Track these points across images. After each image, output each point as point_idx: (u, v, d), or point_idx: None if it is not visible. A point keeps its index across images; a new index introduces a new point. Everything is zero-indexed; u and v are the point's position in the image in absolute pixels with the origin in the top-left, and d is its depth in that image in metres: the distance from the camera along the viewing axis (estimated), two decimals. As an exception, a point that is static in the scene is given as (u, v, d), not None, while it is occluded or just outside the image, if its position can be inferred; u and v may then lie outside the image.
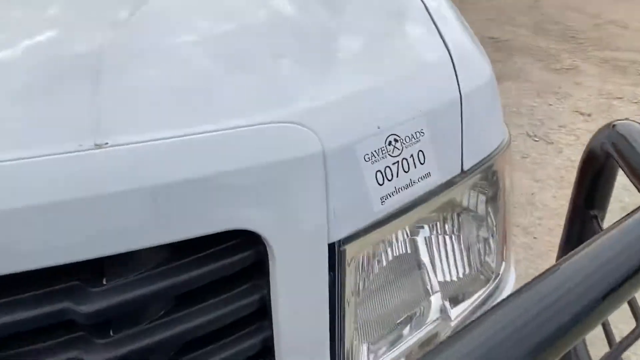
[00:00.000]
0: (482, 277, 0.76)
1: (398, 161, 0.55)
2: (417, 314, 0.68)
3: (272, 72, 0.55)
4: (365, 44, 0.65)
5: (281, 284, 0.50)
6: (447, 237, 0.73)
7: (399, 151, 0.55)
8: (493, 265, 0.75)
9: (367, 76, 0.58)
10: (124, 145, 0.46)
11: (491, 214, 0.73)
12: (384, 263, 0.64)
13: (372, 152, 0.53)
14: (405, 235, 0.69)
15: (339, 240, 0.52)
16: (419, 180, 0.57)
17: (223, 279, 0.51)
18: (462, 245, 0.74)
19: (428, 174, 0.57)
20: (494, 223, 0.73)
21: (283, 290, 0.50)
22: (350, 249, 0.53)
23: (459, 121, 0.61)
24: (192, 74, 0.53)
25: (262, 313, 0.51)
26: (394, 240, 0.64)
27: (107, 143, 0.46)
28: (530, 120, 3.12)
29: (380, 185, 0.53)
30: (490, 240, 0.74)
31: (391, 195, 0.54)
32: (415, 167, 0.56)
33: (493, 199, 0.72)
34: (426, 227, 0.71)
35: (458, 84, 0.62)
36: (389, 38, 0.67)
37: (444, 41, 0.67)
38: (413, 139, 0.56)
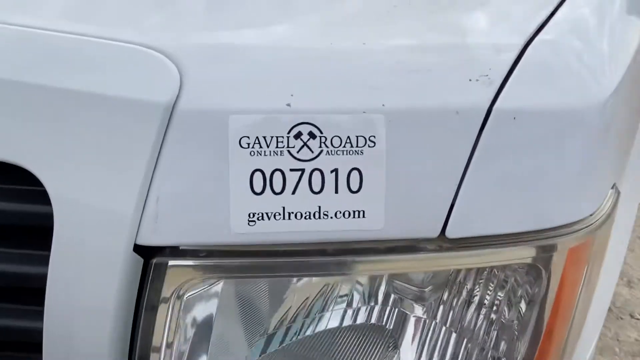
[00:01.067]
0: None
1: (304, 169, 0.32)
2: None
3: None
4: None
5: (58, 267, 0.34)
6: (445, 332, 0.47)
7: (312, 154, 0.32)
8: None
9: (329, 35, 0.36)
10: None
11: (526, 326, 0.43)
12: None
13: (257, 138, 0.32)
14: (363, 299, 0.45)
15: (157, 249, 0.33)
16: (337, 215, 0.33)
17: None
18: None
19: (359, 213, 0.33)
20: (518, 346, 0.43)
21: (59, 276, 0.34)
22: (177, 271, 0.34)
23: (467, 151, 0.34)
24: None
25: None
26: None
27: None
28: None
29: (256, 194, 0.32)
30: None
31: (271, 218, 0.33)
32: (336, 190, 0.33)
33: (529, 305, 0.42)
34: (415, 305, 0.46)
35: (497, 92, 0.34)
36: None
37: (537, 30, 0.40)
38: (347, 144, 0.32)
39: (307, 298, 0.42)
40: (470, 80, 0.35)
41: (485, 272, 0.43)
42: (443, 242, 0.35)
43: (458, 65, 0.35)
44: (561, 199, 0.38)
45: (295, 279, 0.40)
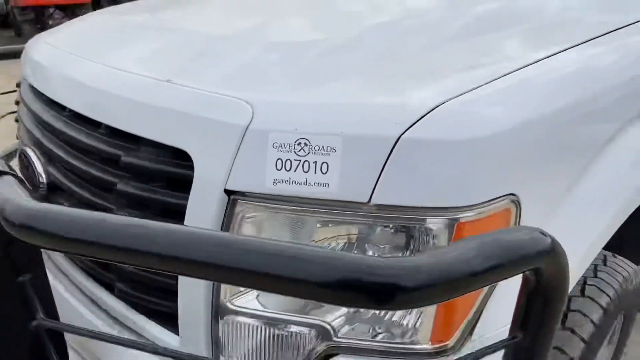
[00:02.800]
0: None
1: (300, 160, 0.68)
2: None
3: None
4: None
5: (193, 202, 0.75)
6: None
7: (305, 153, 0.68)
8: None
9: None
10: (178, 85, 0.81)
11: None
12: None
13: (281, 143, 0.68)
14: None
15: (232, 191, 0.71)
16: (315, 184, 0.68)
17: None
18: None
19: (326, 184, 0.67)
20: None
21: (193, 207, 0.75)
22: (241, 204, 0.72)
23: (384, 157, 0.65)
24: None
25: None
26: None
27: (169, 80, 0.82)
28: None
29: (277, 170, 0.69)
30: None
31: (284, 182, 0.69)
32: (315, 172, 0.67)
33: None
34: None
35: (407, 129, 0.66)
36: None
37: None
38: (322, 150, 0.67)
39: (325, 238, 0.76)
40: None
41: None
42: (369, 205, 0.67)
43: (393, 107, 0.68)
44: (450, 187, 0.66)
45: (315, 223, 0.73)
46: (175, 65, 0.90)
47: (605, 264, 1.04)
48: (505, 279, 0.49)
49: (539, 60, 0.81)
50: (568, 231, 0.77)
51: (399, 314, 0.72)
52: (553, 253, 0.50)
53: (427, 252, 0.64)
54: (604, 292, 0.98)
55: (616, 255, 1.10)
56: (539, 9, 1.07)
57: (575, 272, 0.82)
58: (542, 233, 0.50)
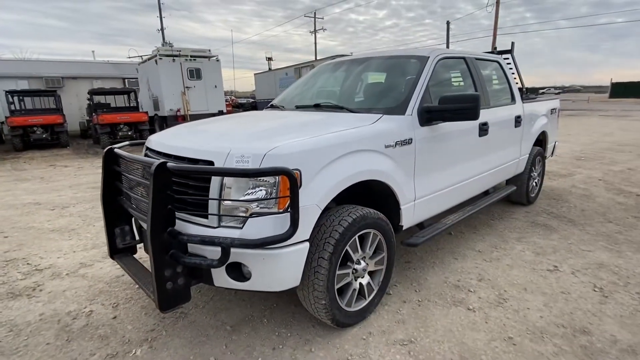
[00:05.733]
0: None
1: (241, 160, 2.61)
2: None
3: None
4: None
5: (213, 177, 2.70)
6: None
7: (243, 159, 2.61)
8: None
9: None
10: (207, 147, 2.83)
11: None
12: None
13: (236, 157, 2.63)
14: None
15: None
16: (245, 166, 2.60)
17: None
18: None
19: (247, 166, 2.60)
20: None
21: (213, 179, 2.70)
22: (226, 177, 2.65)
23: (261, 158, 2.59)
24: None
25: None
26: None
27: (202, 146, 2.85)
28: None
29: (235, 163, 2.62)
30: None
31: (238, 167, 2.61)
32: (245, 164, 2.60)
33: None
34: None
35: (268, 150, 2.60)
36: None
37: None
38: (247, 158, 2.61)
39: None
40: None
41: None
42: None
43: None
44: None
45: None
46: (199, 141, 2.90)
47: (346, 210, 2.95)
48: (275, 175, 2.42)
49: (319, 133, 2.78)
50: (315, 187, 2.69)
51: (271, 202, 2.60)
52: (287, 172, 2.41)
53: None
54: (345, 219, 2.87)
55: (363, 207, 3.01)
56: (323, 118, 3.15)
57: (319, 200, 2.72)
58: (287, 170, 2.41)
